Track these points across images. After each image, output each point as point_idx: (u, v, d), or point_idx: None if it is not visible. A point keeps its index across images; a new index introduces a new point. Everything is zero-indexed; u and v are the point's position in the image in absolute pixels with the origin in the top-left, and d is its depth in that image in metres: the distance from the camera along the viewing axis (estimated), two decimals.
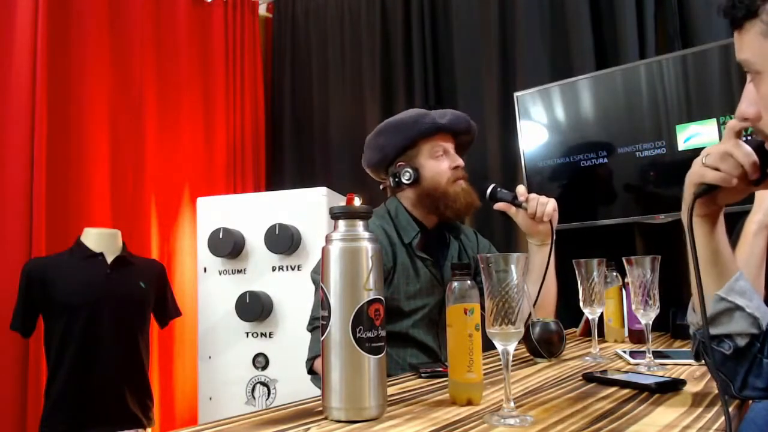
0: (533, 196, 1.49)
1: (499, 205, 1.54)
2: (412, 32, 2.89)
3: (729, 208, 0.86)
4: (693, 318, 0.88)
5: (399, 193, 1.61)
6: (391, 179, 1.57)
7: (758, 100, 0.75)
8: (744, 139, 0.79)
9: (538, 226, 1.50)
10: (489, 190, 1.54)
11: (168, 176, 2.92)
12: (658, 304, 1.19)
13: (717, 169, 0.78)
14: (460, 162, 1.57)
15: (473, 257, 1.62)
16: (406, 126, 1.56)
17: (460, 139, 1.62)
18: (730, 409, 0.85)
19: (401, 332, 1.50)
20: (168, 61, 2.98)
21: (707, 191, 0.80)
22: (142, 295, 2.24)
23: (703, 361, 0.88)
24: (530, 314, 1.35)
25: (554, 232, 1.49)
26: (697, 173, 0.81)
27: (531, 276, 1.49)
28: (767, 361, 0.80)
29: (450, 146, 1.58)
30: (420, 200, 1.55)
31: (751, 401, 0.94)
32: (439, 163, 1.54)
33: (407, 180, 1.54)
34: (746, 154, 0.76)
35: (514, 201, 1.50)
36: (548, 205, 1.47)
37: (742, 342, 0.81)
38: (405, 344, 1.51)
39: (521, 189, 1.51)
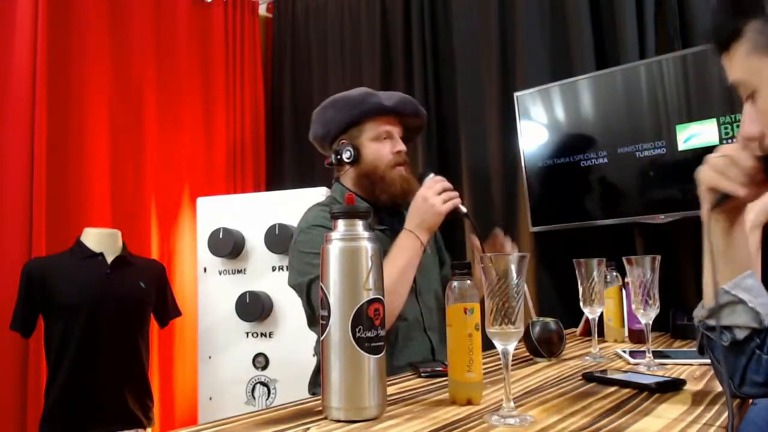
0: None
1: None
2: (412, 32, 2.88)
3: None
4: (699, 312, 0.88)
5: (341, 172, 1.59)
6: (333, 156, 1.56)
7: (759, 117, 0.75)
8: None
9: None
10: (429, 177, 1.47)
11: (168, 176, 2.91)
12: (658, 304, 1.19)
13: (725, 175, 0.79)
14: (402, 147, 1.54)
15: None
16: (352, 104, 1.54)
17: (408, 123, 1.59)
18: None
19: None
20: (168, 61, 2.98)
21: (721, 201, 0.81)
22: (142, 295, 2.24)
23: (706, 355, 0.88)
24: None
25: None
26: (708, 177, 0.82)
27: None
28: (766, 357, 0.81)
29: (396, 130, 1.55)
30: (359, 180, 1.54)
31: (750, 401, 0.94)
32: (381, 146, 1.52)
33: (347, 159, 1.52)
34: (748, 158, 0.77)
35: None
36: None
37: (741, 335, 0.82)
38: None
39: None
